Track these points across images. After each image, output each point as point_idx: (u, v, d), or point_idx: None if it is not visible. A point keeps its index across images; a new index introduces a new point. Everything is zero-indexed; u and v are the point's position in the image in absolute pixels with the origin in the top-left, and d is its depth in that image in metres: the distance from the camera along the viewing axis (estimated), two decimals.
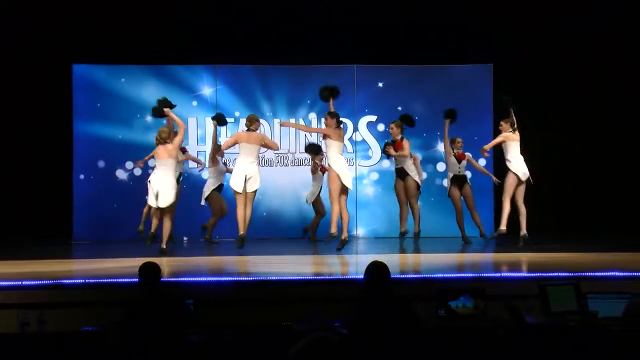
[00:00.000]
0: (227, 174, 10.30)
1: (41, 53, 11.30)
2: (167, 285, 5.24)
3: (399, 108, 11.78)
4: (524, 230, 9.44)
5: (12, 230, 11.01)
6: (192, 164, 11.40)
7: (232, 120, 11.72)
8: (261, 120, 11.66)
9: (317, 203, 10.96)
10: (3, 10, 11.10)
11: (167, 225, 9.06)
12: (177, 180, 9.71)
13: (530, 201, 10.11)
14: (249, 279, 6.91)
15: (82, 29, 11.27)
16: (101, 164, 11.54)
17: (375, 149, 11.82)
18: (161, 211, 9.01)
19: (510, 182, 9.47)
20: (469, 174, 10.53)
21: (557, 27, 11.50)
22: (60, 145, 11.43)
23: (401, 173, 10.00)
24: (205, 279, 6.81)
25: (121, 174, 11.57)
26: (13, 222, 11.10)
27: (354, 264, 8.46)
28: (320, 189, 10.85)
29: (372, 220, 11.75)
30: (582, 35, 11.48)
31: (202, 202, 10.49)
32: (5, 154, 11.30)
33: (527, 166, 9.53)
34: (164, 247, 8.94)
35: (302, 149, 11.71)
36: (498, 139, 9.68)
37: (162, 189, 8.85)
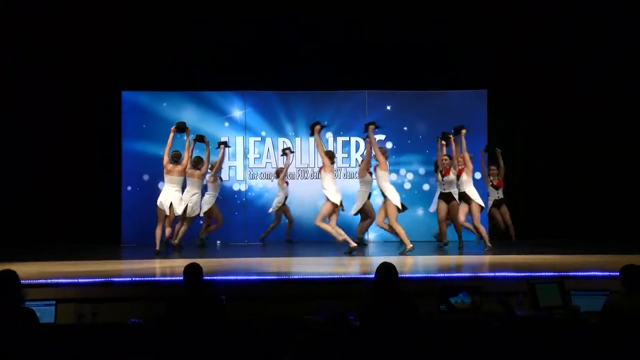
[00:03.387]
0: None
1: (95, 82, 11.46)
2: (206, 284, 5.24)
3: (405, 128, 11.78)
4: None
5: (69, 234, 11.13)
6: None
7: (259, 139, 11.81)
8: (284, 139, 11.81)
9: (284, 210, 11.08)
10: (65, 49, 11.31)
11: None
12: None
13: (522, 209, 10.05)
14: (274, 277, 6.92)
15: (130, 62, 11.43)
16: (146, 177, 11.63)
17: None
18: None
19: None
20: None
21: (544, 55, 11.48)
22: (111, 161, 11.56)
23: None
24: (236, 277, 6.83)
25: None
26: (70, 228, 11.22)
27: (366, 265, 8.45)
28: (286, 197, 10.98)
29: None
30: (569, 62, 11.44)
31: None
32: (63, 169, 11.43)
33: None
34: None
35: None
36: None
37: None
